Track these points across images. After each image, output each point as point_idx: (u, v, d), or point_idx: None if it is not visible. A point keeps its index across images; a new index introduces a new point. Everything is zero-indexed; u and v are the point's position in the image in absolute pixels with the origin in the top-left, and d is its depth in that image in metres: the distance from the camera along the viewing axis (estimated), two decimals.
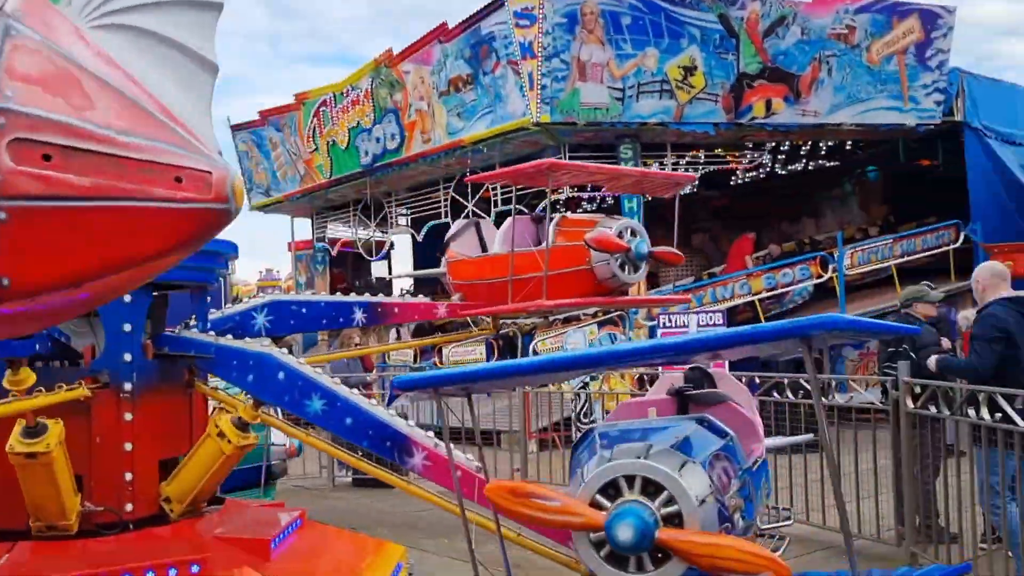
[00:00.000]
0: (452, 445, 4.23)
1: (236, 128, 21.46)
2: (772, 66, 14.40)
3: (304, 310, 6.60)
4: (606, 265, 6.50)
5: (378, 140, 17.49)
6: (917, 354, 7.11)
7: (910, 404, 6.18)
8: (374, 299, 7.04)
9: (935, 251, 15.61)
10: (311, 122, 19.20)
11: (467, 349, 16.57)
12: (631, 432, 3.09)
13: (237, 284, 22.23)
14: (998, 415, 5.21)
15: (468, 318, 19.37)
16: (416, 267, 24.75)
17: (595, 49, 13.76)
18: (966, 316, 6.54)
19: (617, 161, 14.96)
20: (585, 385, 12.32)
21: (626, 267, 6.56)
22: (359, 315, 6.79)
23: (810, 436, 6.19)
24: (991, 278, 6.10)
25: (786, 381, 7.47)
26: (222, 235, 2.03)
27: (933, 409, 5.88)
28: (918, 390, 6.12)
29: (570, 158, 15.28)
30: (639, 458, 2.81)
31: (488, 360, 15.99)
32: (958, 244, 15.44)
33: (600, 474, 2.82)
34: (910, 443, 6.22)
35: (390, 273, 24.80)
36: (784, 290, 14.86)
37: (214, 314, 6.03)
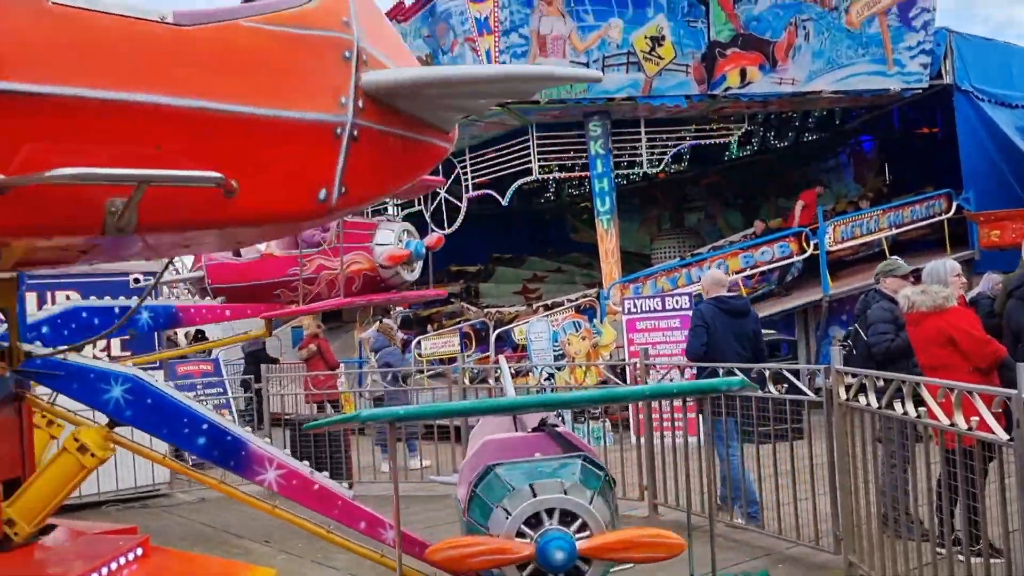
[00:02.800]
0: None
1: None
2: (745, 33, 13.65)
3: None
4: None
5: None
6: (866, 333, 6.50)
7: (842, 394, 5.54)
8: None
9: (928, 222, 14.82)
10: None
11: (443, 340, 16.03)
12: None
13: None
14: (921, 408, 4.58)
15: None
16: None
17: (555, 22, 13.09)
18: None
19: (586, 140, 14.33)
20: (550, 377, 11.70)
21: None
22: None
23: None
24: (711, 285, 7.39)
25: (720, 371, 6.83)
26: None
27: (863, 401, 5.23)
28: (849, 379, 5.48)
29: (537, 137, 14.69)
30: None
31: (462, 351, 15.40)
32: (951, 214, 14.63)
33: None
34: (842, 437, 5.58)
35: None
36: (770, 267, 14.14)
37: None
